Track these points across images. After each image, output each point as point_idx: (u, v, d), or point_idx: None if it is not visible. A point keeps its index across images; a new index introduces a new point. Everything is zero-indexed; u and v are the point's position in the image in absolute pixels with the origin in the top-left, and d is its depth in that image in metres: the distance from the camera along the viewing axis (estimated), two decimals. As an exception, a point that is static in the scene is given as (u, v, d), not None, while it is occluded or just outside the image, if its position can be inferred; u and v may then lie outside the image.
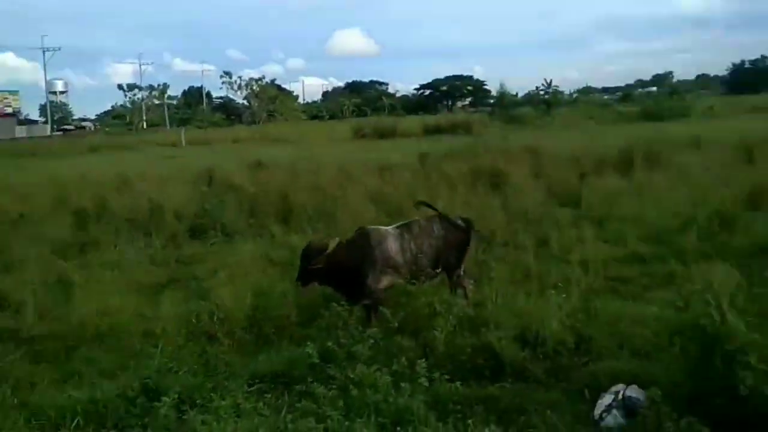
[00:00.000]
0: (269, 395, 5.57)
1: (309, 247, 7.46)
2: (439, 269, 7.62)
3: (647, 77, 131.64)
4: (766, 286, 7.38)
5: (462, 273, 7.92)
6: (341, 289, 7.45)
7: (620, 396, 5.15)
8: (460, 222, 7.98)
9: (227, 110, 77.69)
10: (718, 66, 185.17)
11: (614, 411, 5.04)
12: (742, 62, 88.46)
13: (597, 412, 5.13)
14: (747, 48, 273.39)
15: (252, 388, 5.74)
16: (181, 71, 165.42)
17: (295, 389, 5.70)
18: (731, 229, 9.62)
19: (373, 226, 7.91)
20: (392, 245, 7.44)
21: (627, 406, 5.04)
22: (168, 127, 65.73)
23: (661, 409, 4.43)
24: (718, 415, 4.45)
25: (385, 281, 7.44)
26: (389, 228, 7.77)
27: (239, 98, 64.74)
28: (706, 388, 4.56)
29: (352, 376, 5.37)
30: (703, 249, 9.02)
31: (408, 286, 7.32)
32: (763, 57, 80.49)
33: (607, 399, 5.19)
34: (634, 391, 5.15)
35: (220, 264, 9.55)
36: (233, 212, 12.97)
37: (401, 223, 8.03)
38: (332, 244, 7.33)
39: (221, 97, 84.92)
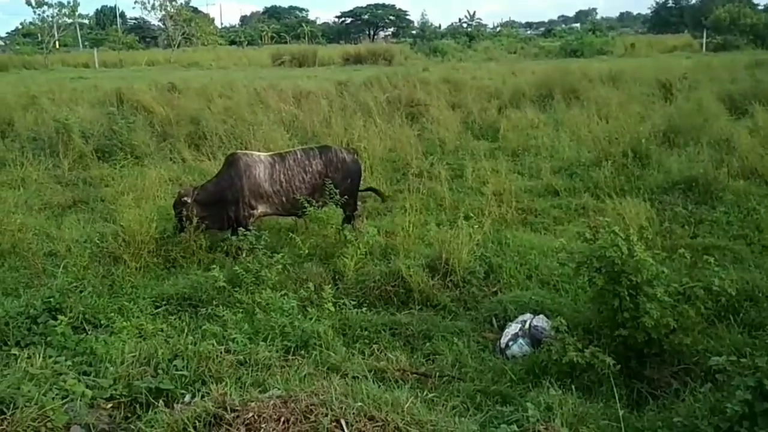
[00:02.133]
0: (174, 317, 5.45)
1: (178, 195, 7.35)
2: (321, 204, 7.29)
3: (571, 13, 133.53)
4: (676, 221, 7.59)
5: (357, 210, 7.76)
6: (216, 221, 7.27)
7: (526, 325, 5.15)
8: (347, 156, 7.70)
9: (142, 32, 74.16)
10: (642, 4, 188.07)
11: (520, 340, 5.05)
12: (665, 1, 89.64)
13: (503, 340, 5.13)
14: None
15: (157, 311, 5.68)
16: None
17: (201, 312, 5.60)
18: (645, 165, 9.77)
19: (244, 152, 7.68)
20: (261, 173, 7.23)
21: (532, 335, 5.05)
22: (80, 48, 61.70)
23: (566, 338, 4.41)
24: (621, 345, 4.49)
25: (259, 209, 7.25)
26: (262, 154, 7.53)
27: (154, 20, 61.16)
28: (610, 319, 4.56)
29: (258, 300, 5.29)
30: (617, 183, 9.13)
31: (318, 213, 7.09)
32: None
33: (513, 328, 5.20)
34: (540, 321, 5.17)
35: (128, 186, 9.21)
36: (144, 135, 12.52)
37: (279, 152, 7.84)
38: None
39: (136, 19, 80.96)
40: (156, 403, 3.52)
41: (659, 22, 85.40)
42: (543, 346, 4.71)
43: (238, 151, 7.79)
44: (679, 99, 14.35)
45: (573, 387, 4.14)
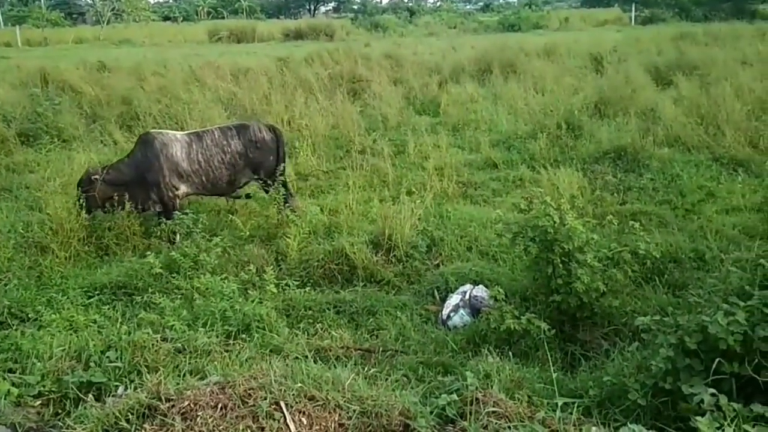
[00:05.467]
0: (108, 307, 5.28)
1: (86, 173, 6.97)
2: (241, 184, 7.23)
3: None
4: (606, 189, 7.89)
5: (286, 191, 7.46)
6: (124, 202, 6.90)
7: (467, 296, 5.29)
8: (266, 133, 7.47)
9: (68, 8, 70.54)
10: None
11: (460, 310, 5.18)
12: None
13: (445, 312, 5.25)
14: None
15: (90, 301, 5.50)
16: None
17: (137, 301, 5.43)
18: (578, 136, 10.08)
19: (158, 131, 7.43)
20: (178, 152, 7.01)
21: (472, 305, 5.19)
22: (1, 26, 58.42)
23: (503, 307, 4.56)
24: (556, 310, 4.68)
25: (181, 189, 7.05)
26: (177, 133, 7.31)
27: (82, -6, 58.44)
28: (545, 285, 4.74)
29: (197, 285, 5.20)
30: (552, 154, 9.42)
31: (260, 193, 7.04)
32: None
33: (454, 299, 5.33)
34: (479, 291, 5.31)
35: (55, 172, 8.60)
36: (71, 117, 11.94)
37: (196, 130, 7.63)
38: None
39: (61, -7, 76.82)
40: (86, 398, 3.39)
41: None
42: (482, 316, 4.85)
43: (152, 130, 7.46)
44: (609, 71, 14.77)
45: (510, 353, 4.30)
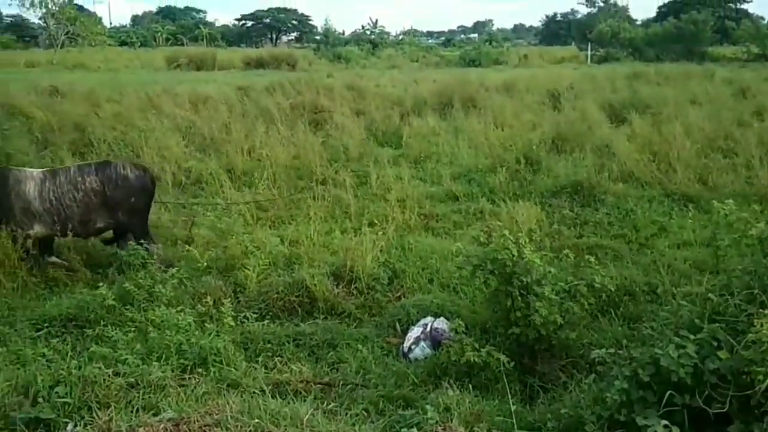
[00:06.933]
0: (57, 341, 5.09)
1: None
2: (98, 226, 6.99)
3: (469, 23, 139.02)
4: (564, 222, 8.05)
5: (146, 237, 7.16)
6: None
7: (428, 328, 5.30)
8: (131, 172, 7.12)
9: (20, 31, 69.64)
10: (534, 17, 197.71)
11: (421, 343, 5.19)
12: (555, 15, 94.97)
13: (406, 344, 5.25)
14: (560, 1, 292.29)
15: (38, 334, 5.32)
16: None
17: (88, 334, 5.26)
18: (536, 170, 10.28)
19: (16, 167, 7.18)
20: (31, 190, 6.72)
21: (433, 338, 5.20)
22: (-50, 49, 56.95)
23: (463, 339, 4.59)
24: (515, 342, 4.73)
25: (34, 228, 6.76)
26: (34, 171, 7.03)
27: (34, 18, 57.27)
28: (504, 318, 4.79)
29: (152, 317, 5.04)
30: (511, 188, 9.58)
31: (218, 223, 6.96)
32: (573, 11, 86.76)
33: (415, 331, 5.33)
34: (440, 323, 5.34)
35: None
36: (21, 142, 11.58)
37: (53, 168, 7.41)
38: None
39: (13, 16, 75.49)
40: (34, 436, 3.25)
41: (549, 34, 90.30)
42: (443, 348, 4.85)
43: (11, 167, 7.23)
44: (566, 108, 15.17)
45: (470, 386, 4.31)
